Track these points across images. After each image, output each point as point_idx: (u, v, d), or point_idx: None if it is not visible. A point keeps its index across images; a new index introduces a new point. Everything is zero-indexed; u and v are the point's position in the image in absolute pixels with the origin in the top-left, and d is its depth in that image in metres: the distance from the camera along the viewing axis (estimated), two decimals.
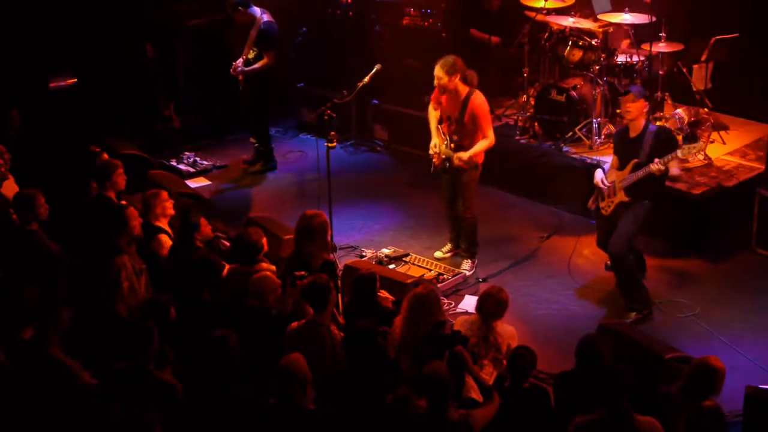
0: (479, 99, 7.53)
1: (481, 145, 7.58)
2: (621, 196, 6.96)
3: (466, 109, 7.49)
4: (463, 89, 7.50)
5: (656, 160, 6.67)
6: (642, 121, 6.89)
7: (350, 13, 10.72)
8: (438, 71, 7.37)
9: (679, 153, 6.70)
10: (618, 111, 6.94)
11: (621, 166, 7.01)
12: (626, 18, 9.09)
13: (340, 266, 7.03)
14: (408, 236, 8.72)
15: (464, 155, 7.51)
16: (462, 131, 7.61)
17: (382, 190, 9.83)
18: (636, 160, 6.82)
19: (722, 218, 8.45)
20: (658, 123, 7.97)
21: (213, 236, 6.82)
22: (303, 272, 5.81)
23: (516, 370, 5.34)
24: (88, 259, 6.30)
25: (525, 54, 9.68)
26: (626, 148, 6.99)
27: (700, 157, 7.01)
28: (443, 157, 7.60)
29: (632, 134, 6.91)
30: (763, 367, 6.62)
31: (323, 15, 11.00)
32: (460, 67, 7.42)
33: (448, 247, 8.22)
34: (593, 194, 7.24)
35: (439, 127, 7.64)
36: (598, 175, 7.12)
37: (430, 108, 7.70)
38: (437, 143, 7.65)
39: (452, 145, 7.56)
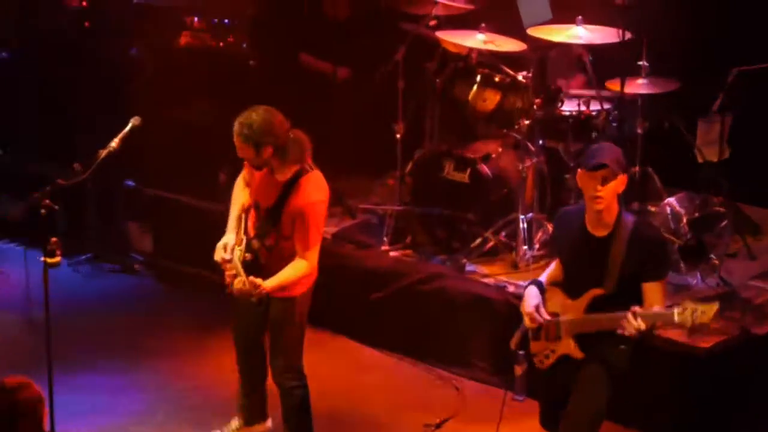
0: (312, 190, 5.34)
1: (290, 274, 5.27)
2: (568, 347, 4.84)
3: (287, 201, 5.26)
4: (286, 168, 5.30)
5: (635, 310, 4.56)
6: (614, 211, 4.75)
7: (86, 24, 7.86)
8: (235, 137, 5.19)
9: (675, 317, 4.51)
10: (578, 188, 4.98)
11: (572, 289, 4.87)
12: (580, 35, 6.48)
13: None
14: (178, 424, 6.16)
15: (263, 285, 5.18)
16: (275, 232, 5.36)
17: (142, 341, 7.13)
18: (598, 291, 4.67)
19: (749, 391, 5.99)
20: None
21: None
22: None
23: None
24: None
25: (399, 97, 6.95)
26: (582, 252, 4.93)
27: (710, 314, 4.34)
28: (234, 272, 5.29)
29: (595, 231, 4.82)
30: None
31: (39, 30, 8.25)
32: (277, 128, 5.18)
33: (236, 424, 5.84)
34: (518, 330, 5.06)
35: (243, 216, 5.49)
36: (531, 299, 4.87)
37: (238, 182, 5.57)
38: (229, 245, 5.34)
39: (249, 256, 5.35)
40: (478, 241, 6.70)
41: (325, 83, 7.76)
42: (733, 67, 6.41)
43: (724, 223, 6.47)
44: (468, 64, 6.69)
